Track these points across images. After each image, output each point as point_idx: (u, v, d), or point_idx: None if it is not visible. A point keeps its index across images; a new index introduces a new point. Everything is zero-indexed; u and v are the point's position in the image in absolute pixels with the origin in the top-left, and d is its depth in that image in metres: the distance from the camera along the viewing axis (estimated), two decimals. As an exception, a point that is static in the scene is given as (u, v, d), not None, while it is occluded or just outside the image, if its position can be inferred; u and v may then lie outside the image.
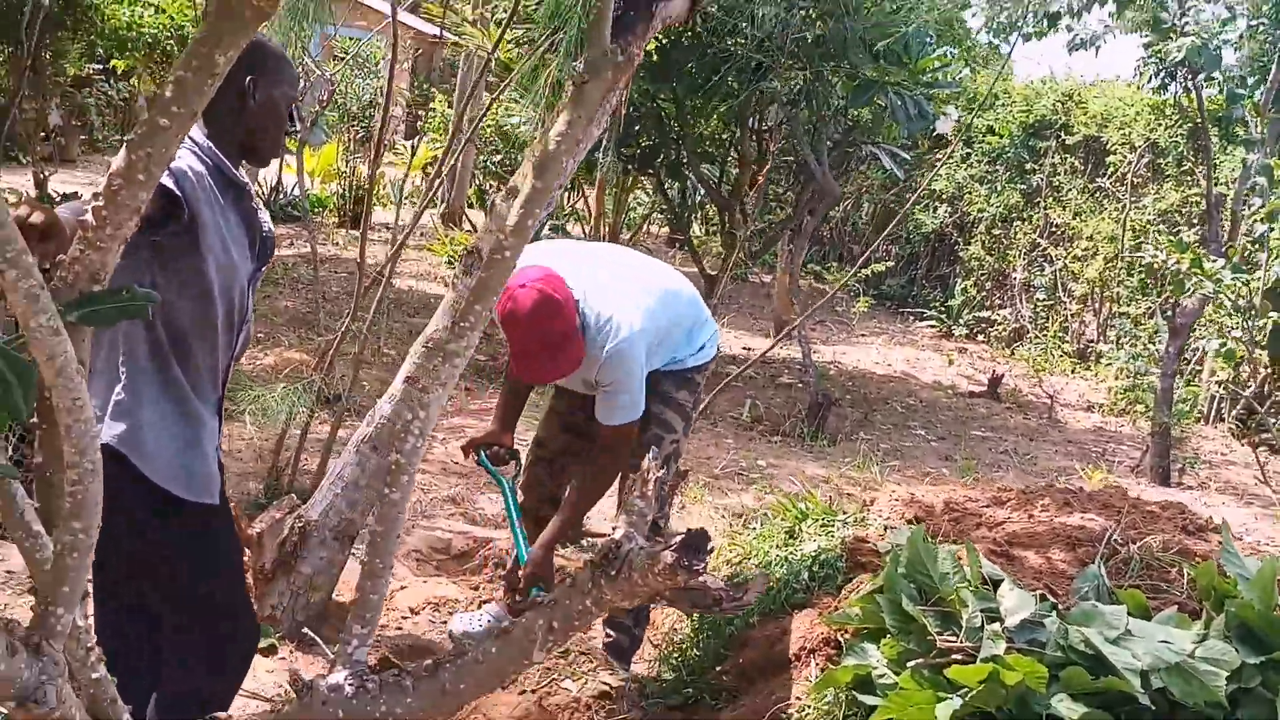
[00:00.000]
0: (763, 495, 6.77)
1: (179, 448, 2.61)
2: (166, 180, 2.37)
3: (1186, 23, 7.59)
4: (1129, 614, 3.18)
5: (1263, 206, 6.08)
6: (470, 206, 15.64)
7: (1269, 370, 9.15)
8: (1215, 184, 8.72)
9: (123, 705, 1.90)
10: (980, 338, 14.50)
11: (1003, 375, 11.21)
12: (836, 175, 10.40)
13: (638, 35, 4.40)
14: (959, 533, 3.95)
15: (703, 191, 11.21)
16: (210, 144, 2.63)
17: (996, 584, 3.33)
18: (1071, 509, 3.90)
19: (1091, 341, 13.33)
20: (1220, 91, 8.98)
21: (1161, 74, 11.01)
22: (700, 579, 1.62)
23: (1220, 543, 3.76)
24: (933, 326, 15.01)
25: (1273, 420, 9.88)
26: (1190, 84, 9.81)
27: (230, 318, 2.66)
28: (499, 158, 17.03)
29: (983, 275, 14.96)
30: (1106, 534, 3.63)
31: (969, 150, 15.41)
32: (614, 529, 1.76)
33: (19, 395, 1.85)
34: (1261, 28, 9.65)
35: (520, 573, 3.90)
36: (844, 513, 4.34)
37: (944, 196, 15.71)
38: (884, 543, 3.94)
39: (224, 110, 2.61)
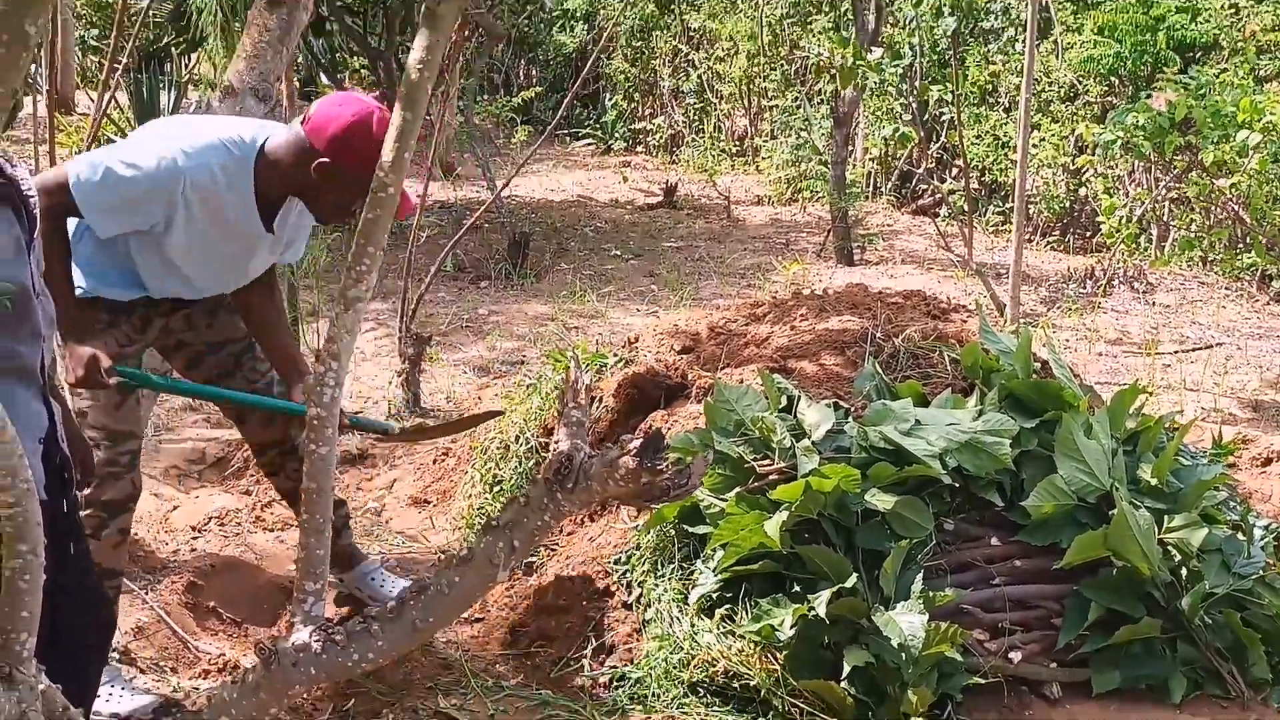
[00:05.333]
0: (495, 345, 6.85)
1: None
2: None
3: None
4: (913, 404, 3.51)
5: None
6: (78, 88, 14.54)
7: (918, 143, 9.84)
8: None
9: (75, 710, 1.85)
10: (639, 149, 14.85)
11: (677, 184, 11.57)
12: (487, 9, 10.26)
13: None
14: (729, 354, 4.17)
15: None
16: None
17: (792, 401, 3.58)
18: (827, 314, 4.19)
19: (743, 138, 13.87)
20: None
21: None
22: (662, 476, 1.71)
23: (964, 321, 4.15)
24: (590, 144, 15.23)
25: (925, 186, 10.69)
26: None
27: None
28: (96, 32, 15.86)
29: (630, 88, 15.20)
30: (868, 333, 3.94)
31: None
32: (556, 442, 1.81)
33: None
34: None
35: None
36: (613, 354, 4.49)
37: (579, 15, 15.72)
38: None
39: None
